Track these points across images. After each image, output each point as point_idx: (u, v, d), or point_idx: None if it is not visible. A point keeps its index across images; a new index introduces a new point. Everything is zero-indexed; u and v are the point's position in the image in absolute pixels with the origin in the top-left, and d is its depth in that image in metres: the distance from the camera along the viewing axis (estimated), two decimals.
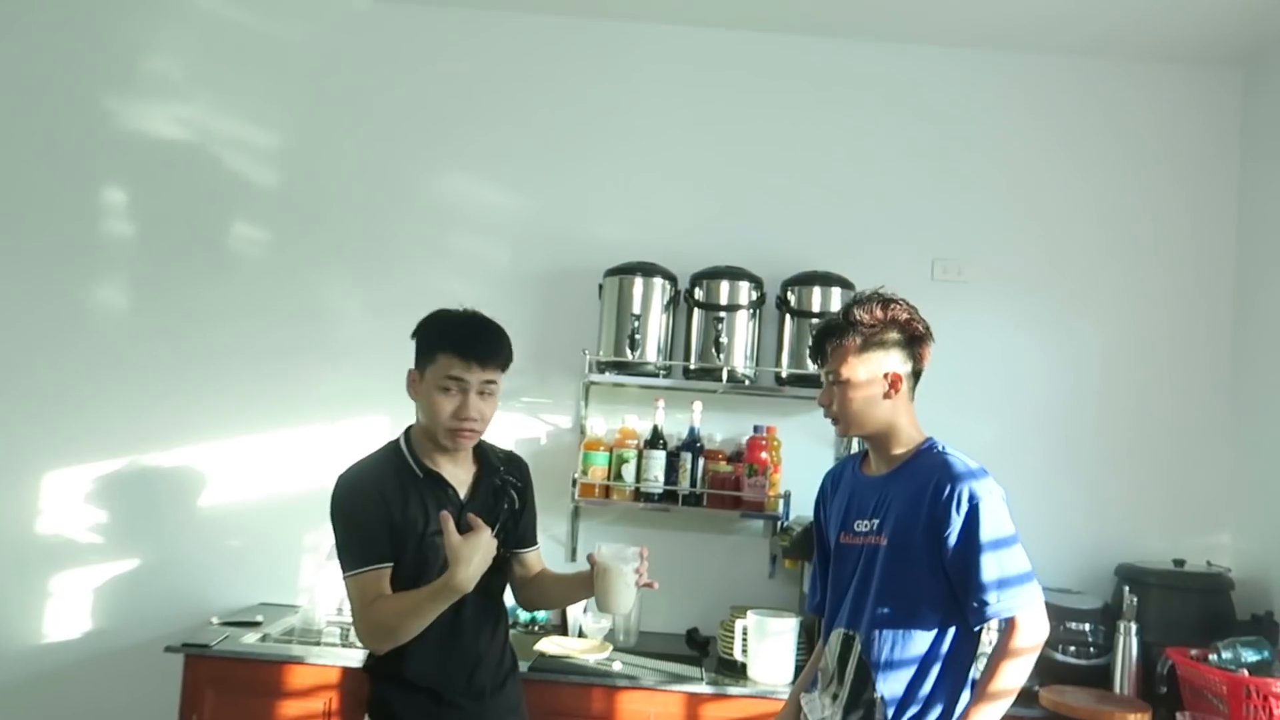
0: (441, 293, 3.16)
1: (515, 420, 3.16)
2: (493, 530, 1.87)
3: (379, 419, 3.15)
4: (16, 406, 3.16)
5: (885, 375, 1.83)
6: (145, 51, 3.28)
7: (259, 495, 3.15)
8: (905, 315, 1.85)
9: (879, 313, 1.83)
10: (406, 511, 1.86)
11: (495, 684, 1.96)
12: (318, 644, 2.70)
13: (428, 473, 1.91)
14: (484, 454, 2.02)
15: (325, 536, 3.05)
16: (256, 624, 2.77)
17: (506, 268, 3.23)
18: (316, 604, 2.84)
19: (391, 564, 1.86)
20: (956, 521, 1.71)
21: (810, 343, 1.94)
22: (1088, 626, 2.67)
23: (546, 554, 3.03)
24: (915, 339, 1.85)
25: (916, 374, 1.88)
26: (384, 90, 3.28)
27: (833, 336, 1.85)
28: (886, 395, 1.83)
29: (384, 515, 1.85)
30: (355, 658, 2.56)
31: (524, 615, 2.97)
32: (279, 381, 3.18)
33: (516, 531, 2.06)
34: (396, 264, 3.22)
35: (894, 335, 1.84)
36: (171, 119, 3.26)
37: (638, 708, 2.49)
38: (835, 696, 1.82)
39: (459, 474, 1.95)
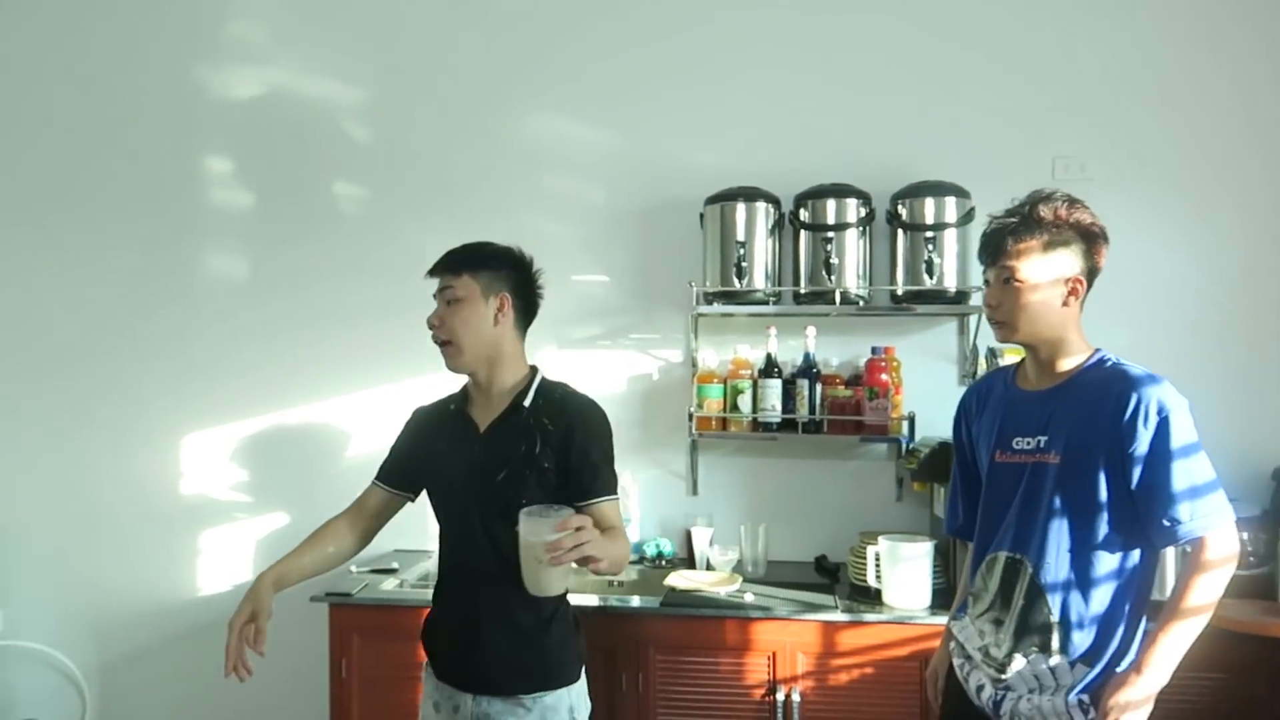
0: (538, 236, 3.16)
1: (626, 357, 3.13)
2: (502, 473, 1.85)
3: None
4: (148, 376, 3.29)
5: (1066, 280, 1.72)
6: (227, 17, 3.30)
7: (384, 447, 3.21)
8: (1089, 218, 1.74)
9: (1063, 211, 1.72)
10: (433, 442, 2.00)
11: (505, 655, 1.86)
12: None
13: (458, 407, 1.99)
14: (523, 392, 1.92)
15: None
16: (393, 570, 2.85)
17: (603, 205, 3.17)
18: None
19: (387, 486, 2.07)
20: (1145, 436, 1.62)
21: (982, 239, 1.81)
22: (1246, 535, 2.51)
23: (667, 488, 3.09)
24: (1095, 244, 1.74)
25: (1092, 282, 1.76)
26: (465, 33, 3.22)
27: (1014, 234, 1.73)
28: (1065, 302, 1.72)
29: (413, 442, 2.05)
30: None
31: (650, 549, 2.98)
32: (392, 335, 3.21)
33: (556, 479, 1.86)
34: (491, 210, 3.19)
35: (1076, 237, 1.72)
36: (260, 83, 3.29)
37: (773, 637, 2.47)
38: (999, 622, 1.75)
39: (487, 411, 1.94)
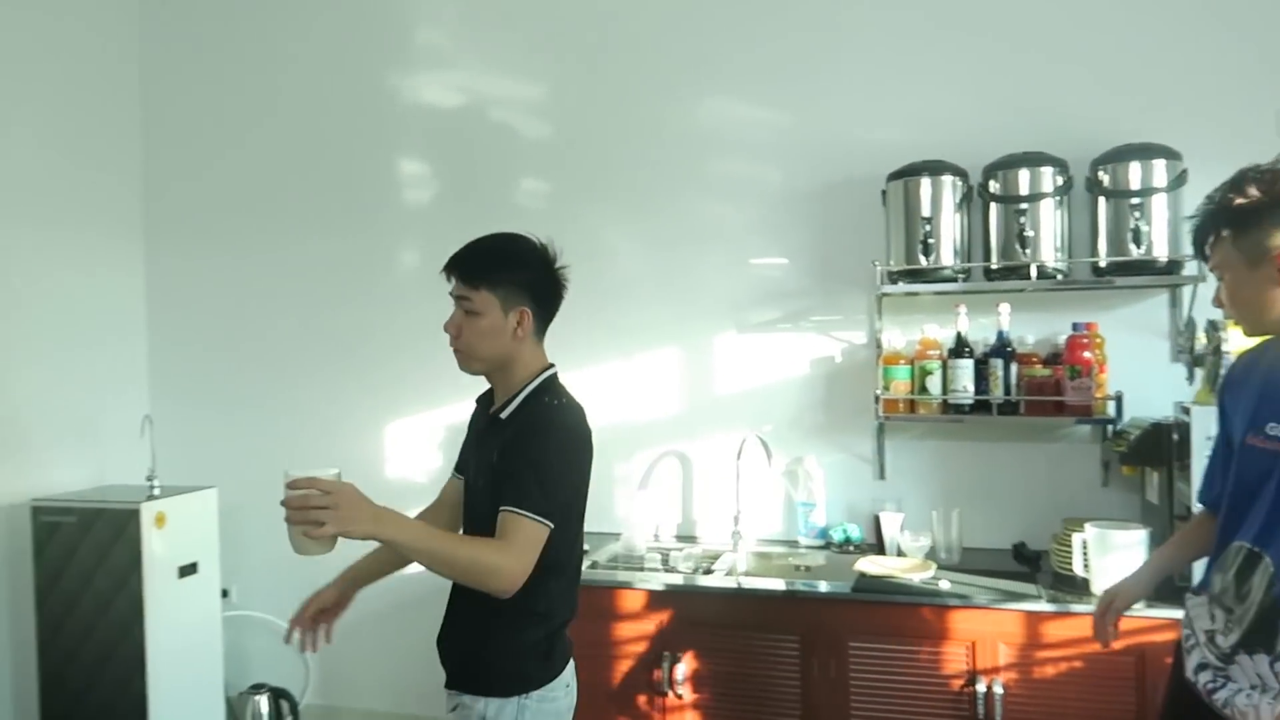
0: (713, 220, 3.18)
1: (807, 340, 3.09)
2: (481, 480, 1.78)
3: (670, 351, 3.21)
4: (352, 366, 3.52)
5: (1271, 258, 1.54)
6: (416, 26, 3.47)
7: None
8: None
9: (1254, 190, 1.55)
10: (471, 436, 1.96)
11: (451, 648, 1.85)
12: (641, 569, 2.83)
13: (482, 404, 1.92)
14: (516, 393, 1.81)
15: (636, 467, 3.21)
16: (584, 552, 2.93)
17: (779, 187, 3.13)
18: (635, 531, 2.97)
19: (457, 475, 2.01)
20: None
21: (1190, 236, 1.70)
22: None
23: (852, 473, 3.04)
24: None
25: None
26: (636, 23, 3.25)
27: (1204, 229, 1.62)
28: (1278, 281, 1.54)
29: (467, 434, 1.98)
30: (679, 582, 2.66)
31: (836, 534, 2.94)
32: (578, 321, 3.24)
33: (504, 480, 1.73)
34: (666, 196, 3.22)
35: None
36: (445, 86, 3.44)
37: (971, 626, 2.39)
38: (1230, 611, 1.62)
39: (495, 407, 1.86)
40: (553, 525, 1.67)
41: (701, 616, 2.62)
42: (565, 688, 1.82)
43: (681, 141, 3.21)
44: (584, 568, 2.78)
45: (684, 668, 2.59)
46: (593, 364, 3.28)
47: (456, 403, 3.38)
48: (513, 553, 1.62)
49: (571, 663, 1.87)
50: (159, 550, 3.04)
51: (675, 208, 3.21)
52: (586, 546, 2.98)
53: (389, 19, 3.50)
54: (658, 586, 2.65)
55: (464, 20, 3.44)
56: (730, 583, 2.71)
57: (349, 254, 3.52)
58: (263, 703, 3.34)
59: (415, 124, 3.47)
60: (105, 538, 3.01)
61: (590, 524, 3.15)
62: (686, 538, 3.15)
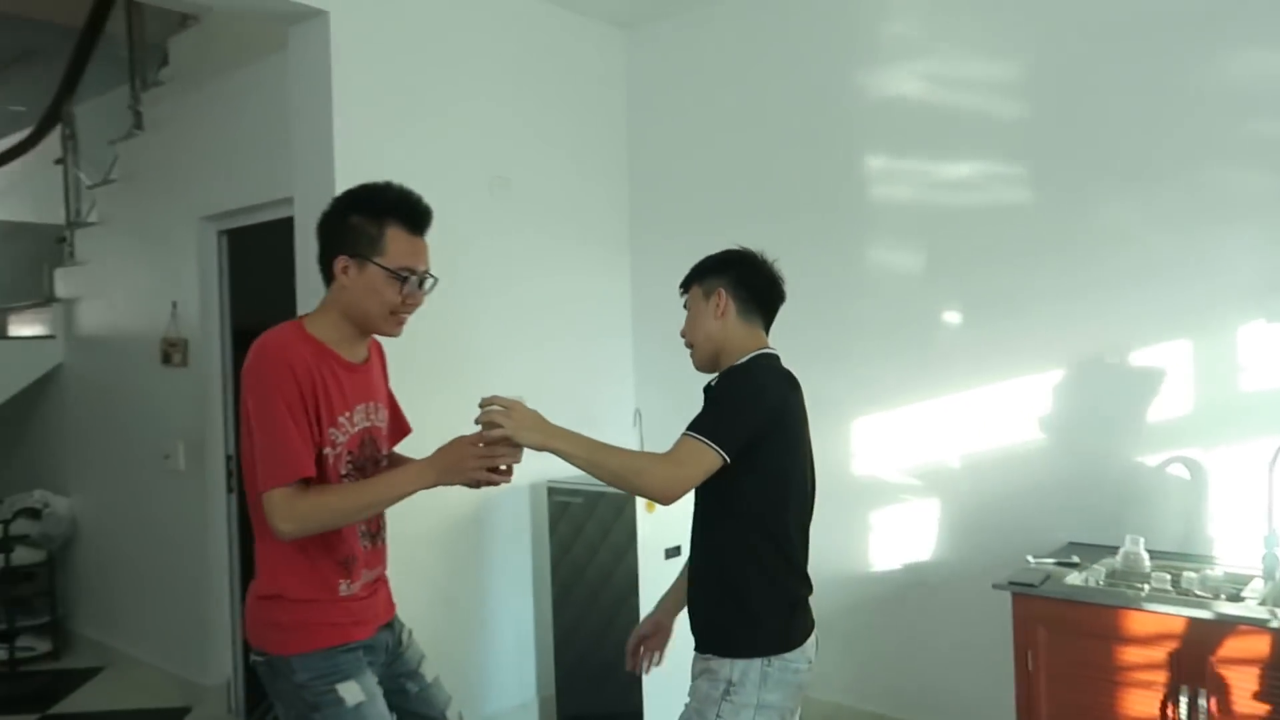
0: (1240, 191, 2.73)
1: None
2: None
3: (1177, 344, 2.83)
4: (820, 361, 3.55)
5: None
6: (883, 20, 3.44)
7: (1042, 437, 3.06)
8: None
9: None
10: None
11: (695, 613, 2.03)
12: (1145, 588, 2.51)
13: None
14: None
15: (1133, 474, 2.88)
16: (1074, 564, 2.69)
17: None
18: (1136, 545, 2.65)
19: None
20: None
21: None
22: None
23: None
24: None
25: None
26: None
27: None
28: None
29: None
30: (1199, 608, 2.33)
31: None
32: (1054, 316, 3.03)
33: None
34: (1177, 168, 2.82)
35: None
36: (915, 76, 3.35)
37: None
38: None
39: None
40: (725, 455, 1.84)
41: (1228, 650, 2.27)
42: (807, 662, 1.96)
43: (1196, 102, 2.78)
44: (1077, 582, 2.56)
45: (1207, 706, 2.26)
46: (1075, 361, 2.99)
47: (933, 398, 3.30)
48: (667, 460, 1.85)
49: (813, 637, 1.99)
50: (649, 533, 3.33)
51: (1188, 180, 2.80)
52: (1075, 558, 2.75)
53: (857, 18, 3.50)
54: (1172, 611, 2.34)
55: (932, 6, 3.33)
56: (1263, 613, 2.30)
57: (816, 254, 3.53)
58: None
59: (883, 119, 3.42)
60: (607, 518, 3.38)
61: (1080, 534, 2.94)
62: (1198, 556, 2.75)
